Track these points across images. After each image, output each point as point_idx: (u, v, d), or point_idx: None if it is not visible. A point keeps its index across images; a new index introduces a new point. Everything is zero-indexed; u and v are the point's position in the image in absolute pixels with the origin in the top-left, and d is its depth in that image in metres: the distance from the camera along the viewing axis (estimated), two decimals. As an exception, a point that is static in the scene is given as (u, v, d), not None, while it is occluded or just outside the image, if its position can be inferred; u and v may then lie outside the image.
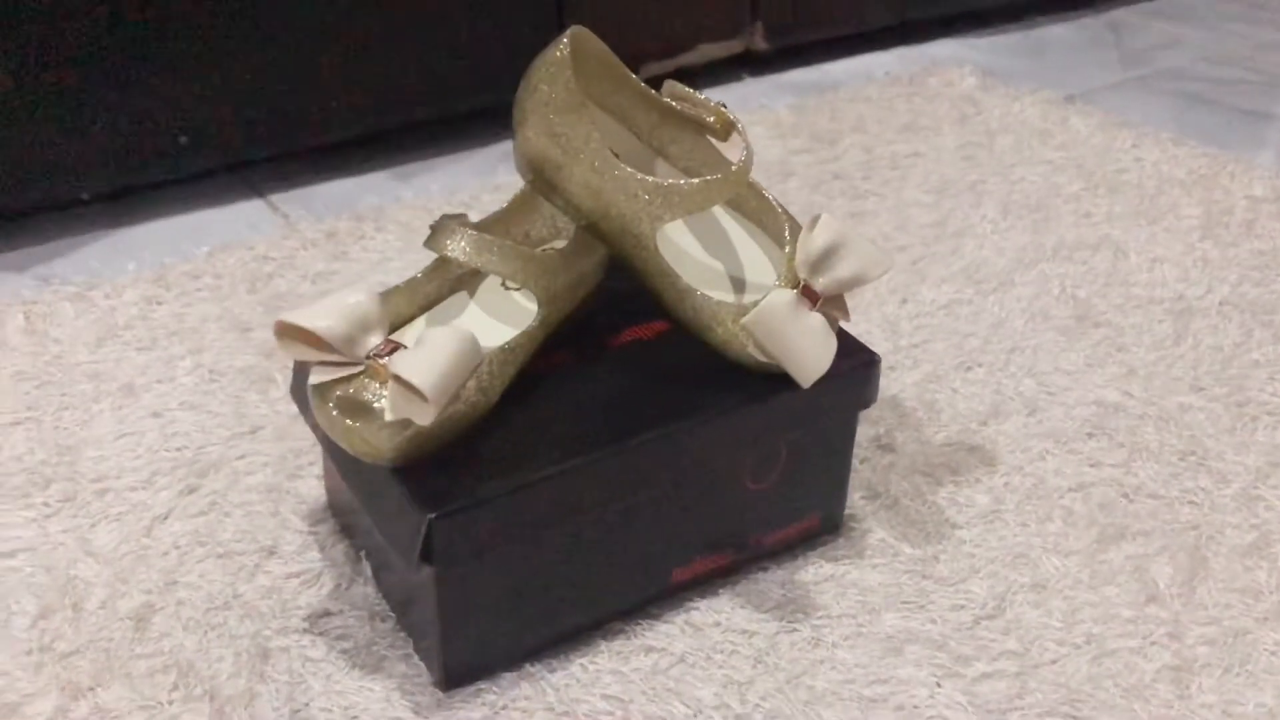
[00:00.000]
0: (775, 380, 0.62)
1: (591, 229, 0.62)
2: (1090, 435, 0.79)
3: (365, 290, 0.56)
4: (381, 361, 0.55)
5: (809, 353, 0.58)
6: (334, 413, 0.55)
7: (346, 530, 0.69)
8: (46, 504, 0.71)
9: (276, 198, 1.09)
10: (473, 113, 1.18)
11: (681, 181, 0.58)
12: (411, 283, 0.64)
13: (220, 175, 1.10)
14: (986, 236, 1.03)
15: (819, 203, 1.08)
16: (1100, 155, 1.17)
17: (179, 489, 0.72)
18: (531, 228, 0.68)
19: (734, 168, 0.59)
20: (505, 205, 0.66)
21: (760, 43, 1.35)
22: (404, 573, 0.59)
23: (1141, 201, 1.09)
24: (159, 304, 0.90)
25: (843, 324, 0.63)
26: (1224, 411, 0.81)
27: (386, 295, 0.62)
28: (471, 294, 0.65)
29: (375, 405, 0.55)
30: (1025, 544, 0.70)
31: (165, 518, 0.70)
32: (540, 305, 0.61)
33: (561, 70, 0.57)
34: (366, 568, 0.66)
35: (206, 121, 1.03)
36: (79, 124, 0.97)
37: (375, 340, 0.55)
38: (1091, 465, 0.76)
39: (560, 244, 0.68)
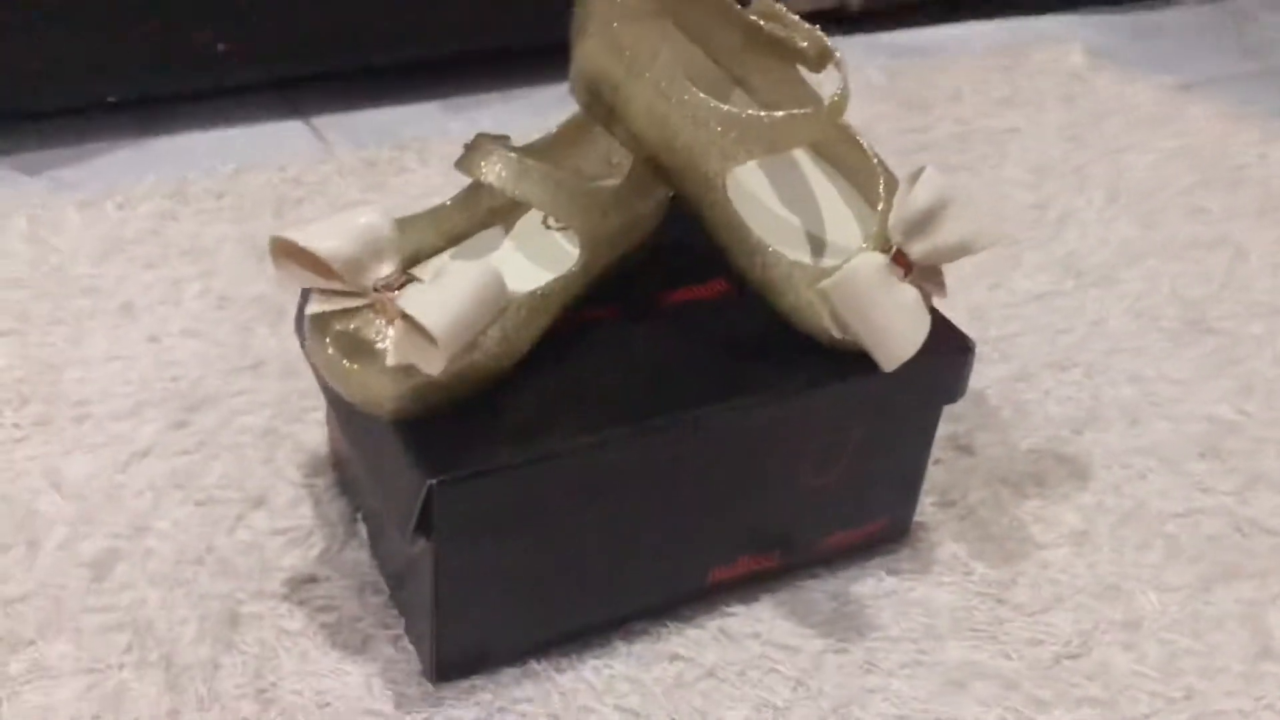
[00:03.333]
0: (851, 360, 0.52)
1: (652, 164, 0.53)
2: (1201, 456, 0.69)
3: (380, 211, 0.47)
4: (390, 295, 0.46)
5: (897, 330, 0.49)
6: (330, 351, 0.46)
7: (346, 486, 0.61)
8: (18, 425, 0.63)
9: (319, 121, 1.01)
10: (532, 49, 1.09)
11: (762, 114, 0.49)
12: (438, 211, 0.55)
13: (261, 91, 1.02)
14: (1090, 225, 0.93)
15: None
16: (1219, 148, 1.06)
17: (165, 423, 0.64)
18: (583, 161, 0.59)
19: (827, 104, 0.50)
20: (554, 132, 0.58)
21: (854, 1, 1.25)
22: (399, 543, 0.51)
23: (1265, 201, 0.98)
24: (174, 220, 0.83)
25: (935, 301, 0.54)
26: (1357, 443, 0.71)
27: (407, 222, 0.53)
28: (508, 230, 0.57)
29: (378, 346, 0.46)
30: (1119, 574, 0.61)
31: (145, 454, 0.62)
32: (582, 249, 0.52)
33: (630, -27, 0.48)
34: (362, 530, 0.58)
35: (248, 31, 0.95)
36: (109, 22, 0.90)
37: (387, 270, 0.47)
38: (1201, 490, 0.66)
39: (614, 182, 0.59)
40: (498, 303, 0.46)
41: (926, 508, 0.64)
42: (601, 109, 0.52)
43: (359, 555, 0.58)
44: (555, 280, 0.51)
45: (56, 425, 0.64)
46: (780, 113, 0.49)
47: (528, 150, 0.57)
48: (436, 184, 0.91)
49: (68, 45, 0.89)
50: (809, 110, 0.49)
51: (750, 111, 0.49)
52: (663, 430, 0.49)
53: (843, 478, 0.56)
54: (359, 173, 0.91)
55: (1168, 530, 0.64)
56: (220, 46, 0.95)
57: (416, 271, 0.53)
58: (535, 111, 1.04)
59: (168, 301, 0.74)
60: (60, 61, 0.90)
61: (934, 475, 0.65)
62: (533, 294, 0.50)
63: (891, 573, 0.60)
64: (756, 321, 0.55)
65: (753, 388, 0.51)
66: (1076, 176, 1.00)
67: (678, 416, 0.50)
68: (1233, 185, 1.00)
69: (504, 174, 0.50)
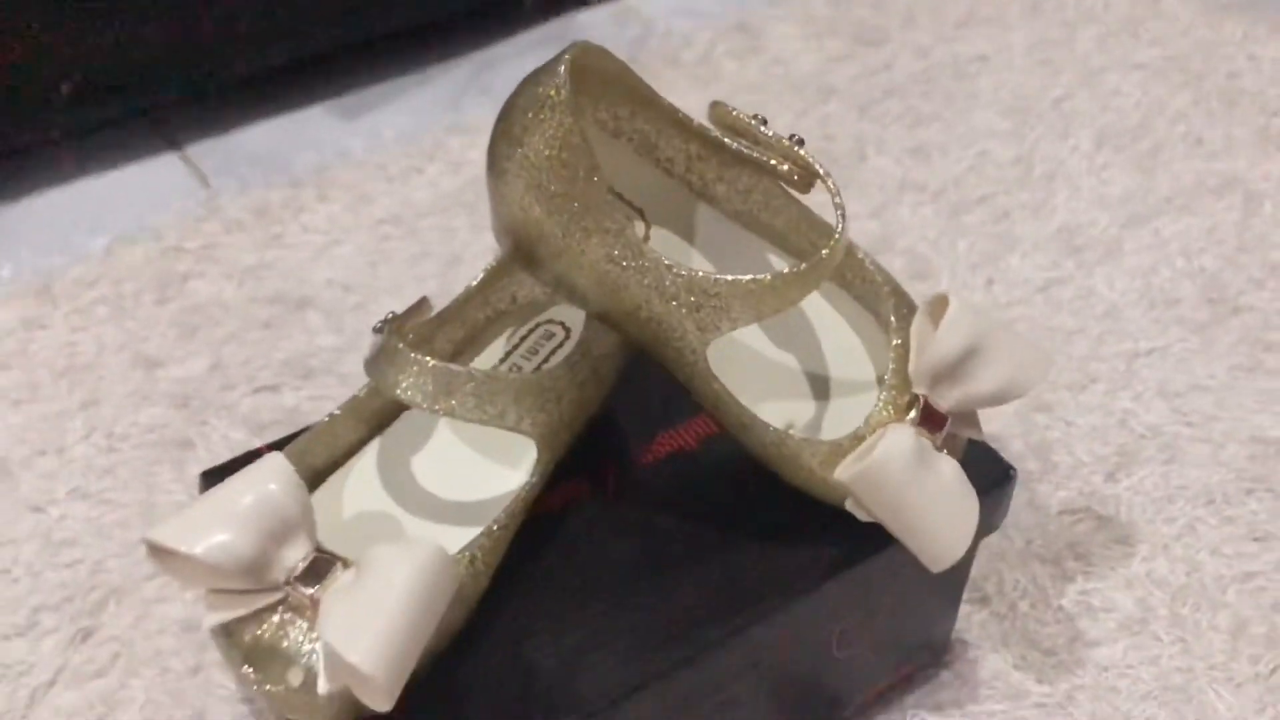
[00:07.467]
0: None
1: (608, 321, 0.42)
2: (1249, 492, 0.61)
3: (277, 471, 0.37)
4: (306, 591, 0.36)
5: (941, 524, 0.40)
6: (245, 669, 0.37)
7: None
8: (-111, 673, 0.53)
9: (194, 150, 0.87)
10: (427, 25, 0.95)
11: (746, 279, 0.39)
12: (354, 407, 0.44)
13: (124, 126, 0.88)
14: (1082, 179, 0.83)
15: (870, 133, 0.86)
16: (1206, 53, 0.95)
17: (70, 633, 0.55)
18: (520, 289, 0.49)
19: (825, 251, 0.39)
20: (481, 276, 0.47)
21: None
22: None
23: (1264, 118, 0.88)
24: (42, 328, 0.70)
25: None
26: None
27: (318, 436, 0.43)
28: (440, 407, 0.47)
29: (303, 659, 0.36)
30: (1184, 671, 0.54)
31: (52, 683, 0.53)
32: (540, 450, 0.42)
33: (557, 117, 0.37)
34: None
35: (94, 58, 0.81)
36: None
37: (298, 552, 0.37)
38: (1256, 539, 0.59)
39: (561, 313, 0.49)
40: (445, 592, 0.36)
41: (961, 607, 0.56)
42: (538, 268, 0.41)
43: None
44: (513, 502, 0.41)
45: (-64, 659, 0.54)
46: (767, 276, 0.39)
47: (457, 312, 0.46)
48: (344, 225, 0.79)
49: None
50: (801, 268, 0.39)
51: (730, 278, 0.39)
52: (670, 677, 0.41)
53: (872, 641, 0.48)
54: (249, 227, 0.78)
55: (1228, 600, 0.56)
56: (64, 87, 0.81)
57: (342, 476, 0.43)
58: (441, 102, 0.91)
59: (50, 450, 0.63)
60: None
61: (963, 565, 0.57)
62: (489, 531, 0.40)
63: (934, 710, 0.52)
64: (760, 476, 0.45)
65: (774, 589, 0.42)
66: (1058, 114, 0.89)
67: (691, 651, 0.41)
68: (1228, 102, 0.90)
69: (429, 388, 0.39)
